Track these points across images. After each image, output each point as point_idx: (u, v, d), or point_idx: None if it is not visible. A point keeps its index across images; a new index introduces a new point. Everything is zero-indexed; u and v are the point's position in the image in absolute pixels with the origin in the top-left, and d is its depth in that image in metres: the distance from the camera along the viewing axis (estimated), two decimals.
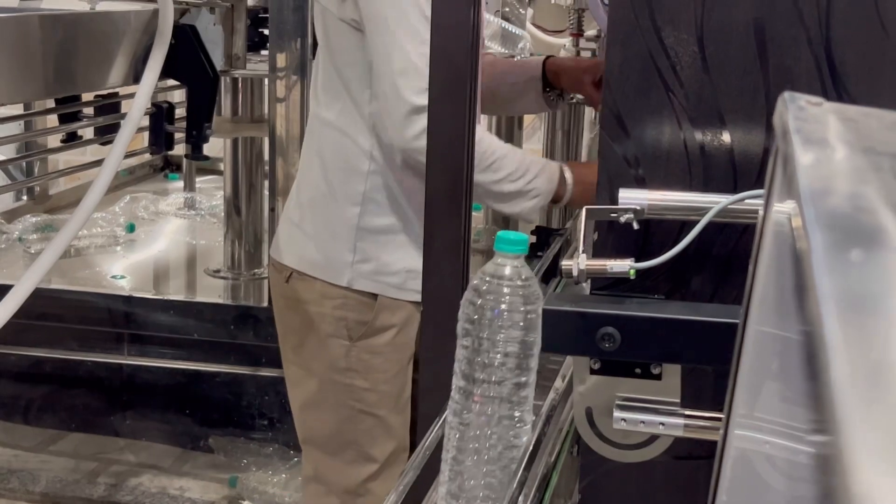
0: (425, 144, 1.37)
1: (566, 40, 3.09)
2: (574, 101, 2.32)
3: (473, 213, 2.96)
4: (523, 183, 1.80)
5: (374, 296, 1.83)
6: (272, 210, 2.70)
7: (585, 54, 2.82)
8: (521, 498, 1.19)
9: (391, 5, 1.68)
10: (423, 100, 1.51)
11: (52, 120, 2.66)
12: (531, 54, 3.04)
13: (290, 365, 1.95)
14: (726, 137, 1.20)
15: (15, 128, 2.70)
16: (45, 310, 2.77)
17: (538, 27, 3.55)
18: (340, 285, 1.83)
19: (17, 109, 2.76)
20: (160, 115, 2.37)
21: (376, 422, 1.87)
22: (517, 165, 1.80)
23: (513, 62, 2.09)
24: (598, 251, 1.19)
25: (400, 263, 1.82)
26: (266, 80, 2.61)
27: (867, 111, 0.56)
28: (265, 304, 2.83)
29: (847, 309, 0.29)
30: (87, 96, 2.60)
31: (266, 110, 2.68)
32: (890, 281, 0.30)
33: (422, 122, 1.60)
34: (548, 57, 2.15)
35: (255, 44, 2.66)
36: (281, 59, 2.54)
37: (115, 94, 2.58)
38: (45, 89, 1.91)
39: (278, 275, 1.92)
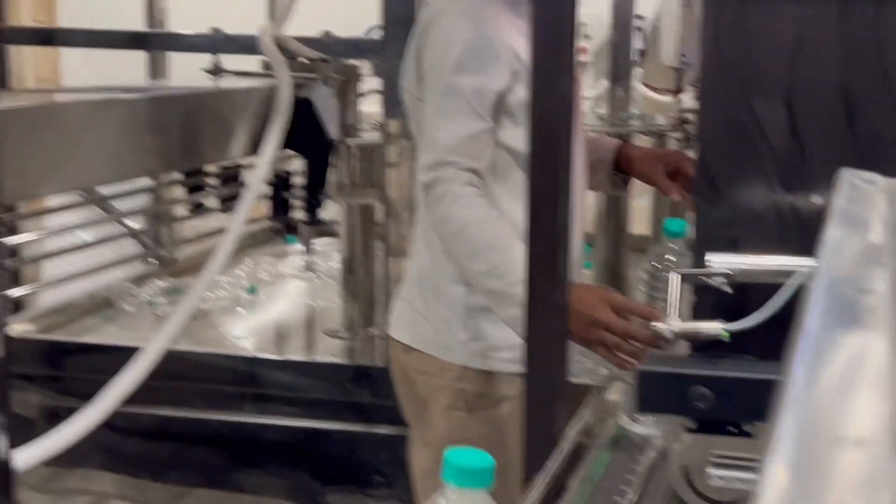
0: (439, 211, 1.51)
1: (672, 101, 3.13)
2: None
3: (585, 271, 2.99)
4: (504, 284, 1.68)
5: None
6: (386, 273, 2.78)
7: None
8: None
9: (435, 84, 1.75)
10: (428, 176, 1.66)
11: (179, 191, 2.79)
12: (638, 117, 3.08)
13: (411, 431, 2.00)
14: (817, 200, 1.23)
15: (144, 199, 2.85)
16: (172, 370, 2.88)
17: (648, 86, 3.59)
18: (455, 363, 1.87)
19: (146, 181, 2.90)
20: (279, 183, 2.48)
21: (494, 492, 1.90)
22: (502, 261, 1.67)
23: (589, 137, 2.10)
24: (696, 310, 1.23)
25: (511, 339, 1.74)
26: (379, 149, 2.70)
27: None
28: (381, 363, 2.90)
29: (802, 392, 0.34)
30: (211, 168, 2.72)
31: (380, 176, 2.77)
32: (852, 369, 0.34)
33: (430, 195, 1.69)
34: (624, 140, 2.18)
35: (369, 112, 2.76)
36: (393, 126, 2.63)
37: (237, 165, 2.71)
38: (172, 163, 2.02)
39: (395, 348, 1.97)
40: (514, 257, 1.59)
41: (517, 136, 1.70)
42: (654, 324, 1.13)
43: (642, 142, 3.01)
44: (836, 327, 0.36)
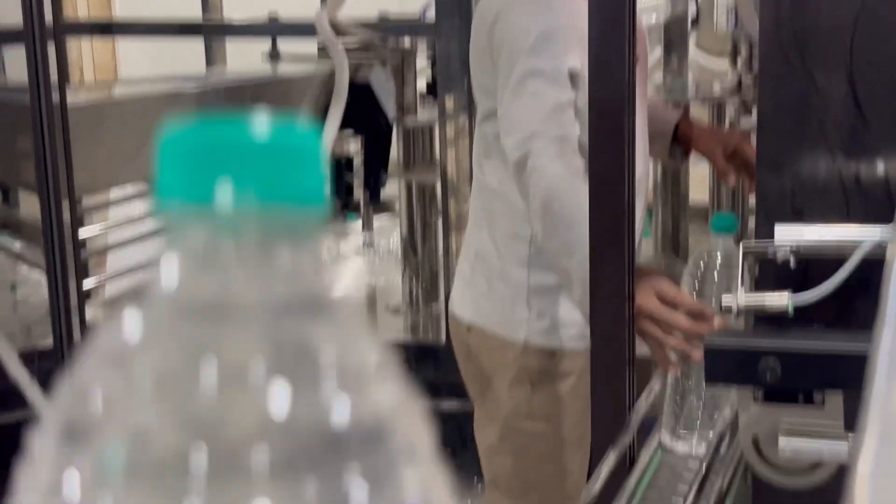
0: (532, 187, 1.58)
1: (728, 69, 3.11)
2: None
3: (644, 240, 3.00)
4: (577, 263, 1.62)
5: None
6: (446, 249, 2.80)
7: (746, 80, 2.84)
8: None
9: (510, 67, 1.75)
10: (517, 154, 1.68)
11: None
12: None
13: (476, 409, 2.03)
14: (881, 169, 1.23)
15: None
16: None
17: (703, 52, 3.56)
18: (518, 340, 1.89)
19: None
20: (339, 165, 2.51)
21: (558, 466, 1.93)
22: (577, 238, 1.60)
23: (651, 103, 2.08)
24: (759, 283, 1.25)
25: (574, 316, 1.77)
26: (436, 126, 2.73)
27: None
28: (443, 338, 2.93)
29: None
30: None
31: (437, 154, 2.80)
32: None
33: (522, 172, 1.70)
34: (685, 113, 2.17)
35: (425, 92, 2.78)
36: (449, 105, 2.65)
37: None
38: None
39: (457, 326, 2.00)
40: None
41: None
42: (721, 298, 1.15)
43: (697, 110, 3.00)
44: None
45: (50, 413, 0.28)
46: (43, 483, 0.28)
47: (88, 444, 0.27)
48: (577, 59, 1.68)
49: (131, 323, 0.28)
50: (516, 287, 1.87)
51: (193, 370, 0.27)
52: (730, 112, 2.96)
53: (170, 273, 0.29)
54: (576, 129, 1.67)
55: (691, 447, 1.42)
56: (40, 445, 0.28)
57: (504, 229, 1.87)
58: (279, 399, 0.27)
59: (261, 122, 0.28)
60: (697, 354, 1.41)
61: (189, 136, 0.28)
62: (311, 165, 0.29)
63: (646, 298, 1.53)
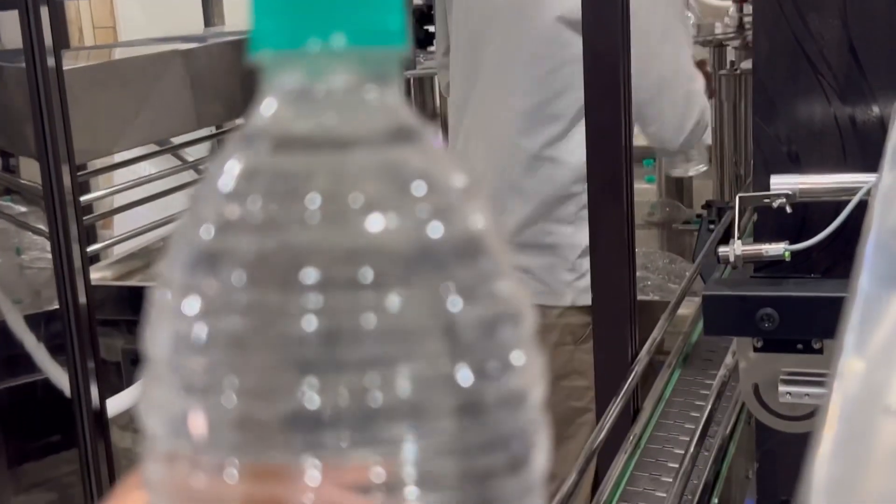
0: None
1: (730, 5, 3.09)
2: None
3: (646, 186, 2.99)
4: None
5: None
6: None
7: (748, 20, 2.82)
8: (700, 468, 1.26)
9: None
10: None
11: None
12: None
13: None
14: (876, 111, 1.23)
15: (212, 145, 2.89)
16: None
17: None
18: (563, 305, 1.89)
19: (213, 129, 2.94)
20: None
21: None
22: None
23: None
24: (758, 233, 1.25)
25: None
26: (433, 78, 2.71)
27: None
28: None
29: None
30: None
31: (437, 106, 2.78)
32: None
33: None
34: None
35: (422, 42, 2.76)
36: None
37: None
38: (237, 110, 2.06)
39: None
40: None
41: None
42: (718, 249, 1.15)
43: (699, 51, 2.98)
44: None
45: (174, 244, 0.31)
46: (172, 309, 0.30)
47: (213, 268, 0.30)
48: None
49: (238, 158, 0.31)
50: (560, 250, 1.87)
51: (299, 196, 0.29)
52: (731, 54, 2.94)
53: (269, 113, 0.31)
54: None
55: None
56: (168, 277, 0.31)
57: (549, 192, 1.85)
58: (381, 217, 0.29)
59: None
60: None
61: None
62: (394, 8, 0.31)
63: None
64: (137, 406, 0.33)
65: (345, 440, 0.28)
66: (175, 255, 0.31)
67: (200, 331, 0.30)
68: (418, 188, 0.31)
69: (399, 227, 0.30)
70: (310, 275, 0.29)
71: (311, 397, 0.28)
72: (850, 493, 0.31)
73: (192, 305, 0.30)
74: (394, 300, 0.29)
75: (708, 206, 2.25)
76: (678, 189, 2.96)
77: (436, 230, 0.30)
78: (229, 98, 2.02)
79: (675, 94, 1.84)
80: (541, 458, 0.32)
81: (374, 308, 0.29)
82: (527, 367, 0.32)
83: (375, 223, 0.29)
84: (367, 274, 0.29)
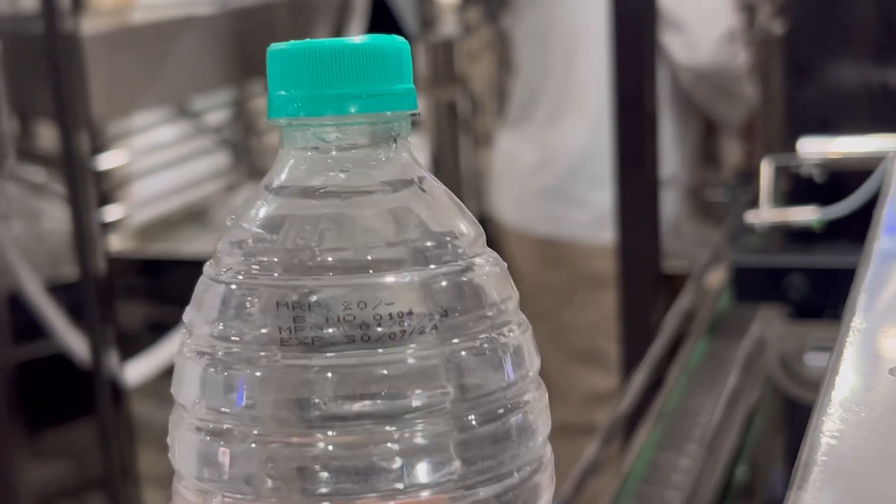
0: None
1: None
2: None
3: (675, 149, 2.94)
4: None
5: None
6: (474, 168, 2.77)
7: None
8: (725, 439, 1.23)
9: None
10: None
11: (264, 100, 2.79)
12: None
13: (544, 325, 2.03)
14: None
15: (231, 111, 2.87)
16: None
17: None
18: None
19: (232, 95, 2.93)
20: None
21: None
22: None
23: None
24: (788, 200, 1.22)
25: None
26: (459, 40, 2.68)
27: None
28: None
29: None
30: None
31: (461, 70, 2.75)
32: None
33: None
34: None
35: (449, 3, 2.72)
36: (472, 17, 2.60)
37: None
38: (255, 71, 2.04)
39: (530, 243, 1.99)
40: None
41: None
42: (747, 214, 1.12)
43: None
44: None
45: (198, 292, 0.35)
46: (198, 356, 0.34)
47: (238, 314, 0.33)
48: None
49: (258, 208, 0.35)
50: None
51: (311, 242, 0.33)
52: (762, 15, 2.88)
53: (285, 169, 0.35)
54: None
55: None
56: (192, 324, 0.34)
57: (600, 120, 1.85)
58: (391, 233, 0.34)
59: (357, 40, 0.34)
60: None
61: (296, 55, 0.34)
62: (404, 76, 0.34)
63: None
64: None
65: (360, 486, 0.31)
66: (200, 304, 0.34)
67: (228, 379, 0.32)
68: (418, 232, 0.34)
69: (399, 272, 0.33)
70: (328, 334, 0.32)
71: (326, 446, 0.31)
72: (852, 452, 0.30)
73: (217, 351, 0.33)
74: (400, 351, 0.32)
75: (740, 174, 2.22)
76: (707, 156, 2.91)
77: (436, 277, 0.33)
78: (247, 62, 2.00)
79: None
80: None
81: (384, 361, 0.32)
82: (533, 404, 0.34)
83: (379, 270, 0.33)
84: (377, 324, 0.32)
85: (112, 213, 2.11)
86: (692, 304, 1.49)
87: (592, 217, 1.93)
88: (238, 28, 1.99)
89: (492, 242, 0.37)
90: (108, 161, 2.04)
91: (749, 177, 2.16)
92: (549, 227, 1.98)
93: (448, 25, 2.71)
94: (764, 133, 2.65)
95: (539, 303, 2.00)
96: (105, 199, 1.91)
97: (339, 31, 2.20)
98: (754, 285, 1.11)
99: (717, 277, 1.58)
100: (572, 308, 1.97)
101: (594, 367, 1.96)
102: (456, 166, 2.97)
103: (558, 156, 1.98)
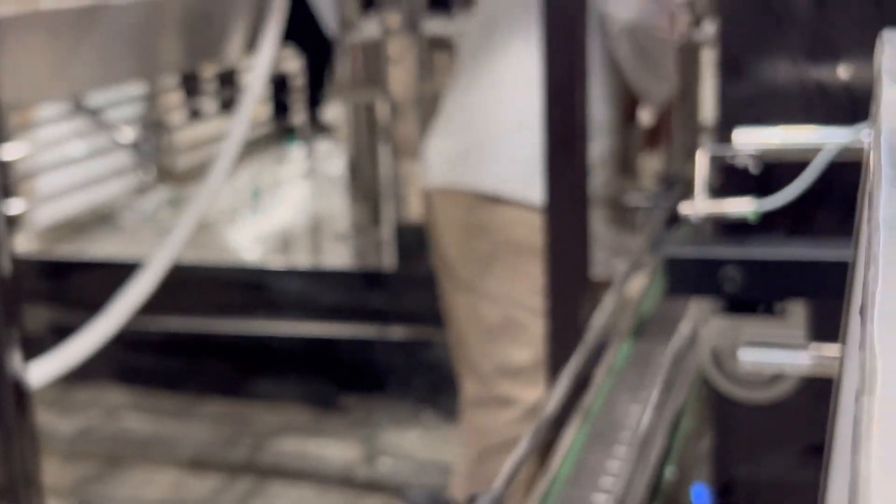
0: None
1: None
2: None
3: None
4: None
5: None
6: (393, 172, 2.74)
7: None
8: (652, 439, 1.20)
9: None
10: None
11: (175, 97, 2.73)
12: None
13: (465, 295, 1.99)
14: (843, 73, 1.18)
15: (138, 108, 2.80)
16: (180, 282, 2.87)
17: None
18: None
19: (139, 90, 2.84)
20: (278, 85, 2.42)
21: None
22: None
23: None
24: (720, 191, 1.19)
25: None
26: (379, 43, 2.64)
27: None
28: (390, 264, 2.87)
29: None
30: (207, 72, 2.66)
31: (380, 73, 2.71)
32: None
33: None
34: None
35: (369, 5, 2.68)
36: (393, 20, 2.57)
37: (233, 70, 2.64)
38: (164, 66, 1.97)
39: (464, 201, 1.96)
40: None
41: None
42: (680, 205, 1.09)
43: None
44: None
45: None
46: None
47: None
48: None
49: None
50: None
51: None
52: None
53: None
54: None
55: None
56: None
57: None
58: None
59: None
60: None
61: None
62: None
63: None
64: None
65: None
66: None
67: None
68: None
69: None
70: None
71: None
72: None
73: None
74: None
75: (663, 179, 2.21)
76: (624, 164, 2.90)
77: None
78: (158, 54, 1.93)
79: None
80: None
81: None
82: None
83: None
84: None
85: (14, 206, 2.02)
86: (618, 305, 1.46)
87: (518, 171, 1.92)
88: (151, 21, 1.92)
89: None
90: (8, 153, 1.96)
91: (671, 182, 2.16)
92: (477, 181, 1.95)
93: (368, 28, 2.67)
94: (684, 143, 2.65)
95: (463, 271, 1.98)
96: (7, 192, 1.83)
97: (256, 31, 2.14)
98: (688, 277, 1.08)
99: (642, 279, 1.56)
100: (493, 277, 1.94)
101: (510, 340, 1.95)
102: (374, 172, 2.93)
103: (487, 114, 1.97)
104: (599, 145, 2.03)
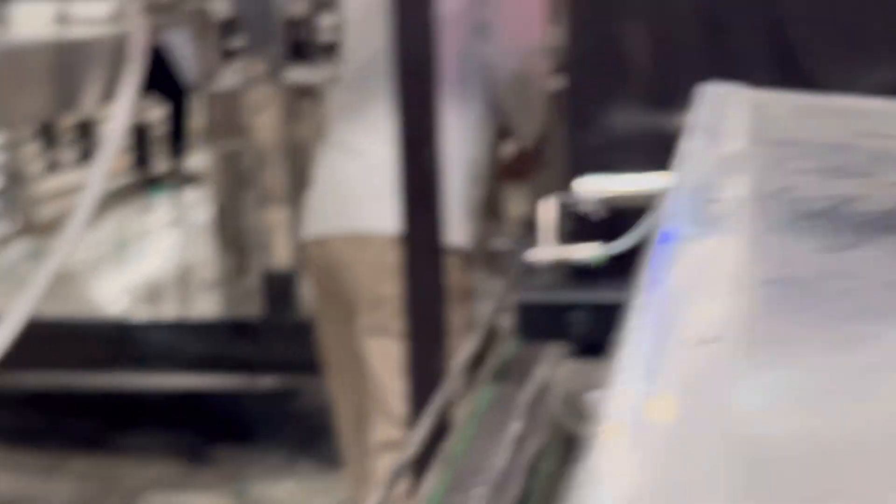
0: None
1: None
2: None
3: None
4: None
5: None
6: (259, 220, 2.72)
7: None
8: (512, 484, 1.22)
9: None
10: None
11: (32, 148, 2.68)
12: None
13: (366, 335, 1.99)
14: (681, 121, 1.22)
15: None
16: (41, 336, 2.80)
17: None
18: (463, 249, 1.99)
19: None
20: (139, 134, 2.40)
21: None
22: None
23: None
24: (570, 237, 1.22)
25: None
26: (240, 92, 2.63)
27: (787, 97, 0.59)
28: (259, 313, 2.85)
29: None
30: (65, 123, 2.62)
31: (243, 121, 2.71)
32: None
33: None
34: None
35: (229, 54, 2.68)
36: (254, 69, 2.57)
37: (91, 121, 2.61)
38: (19, 118, 1.94)
39: (362, 243, 1.97)
40: None
41: None
42: (528, 252, 1.12)
43: None
44: (688, 232, 0.37)
45: None
46: None
47: None
48: None
49: None
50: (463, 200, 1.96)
51: None
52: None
53: None
54: None
55: None
56: None
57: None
58: None
59: None
60: None
61: None
62: None
63: None
64: None
65: None
66: None
67: None
68: None
69: None
70: None
71: None
72: None
73: None
74: None
75: (525, 223, 2.25)
76: (492, 205, 2.95)
77: None
78: (12, 106, 1.90)
79: None
80: None
81: None
82: None
83: None
84: None
85: None
86: (480, 349, 1.48)
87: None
88: (7, 71, 1.89)
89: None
90: None
91: (533, 225, 2.20)
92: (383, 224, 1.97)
93: (229, 77, 2.67)
94: (544, 178, 2.70)
95: (376, 314, 1.97)
96: None
97: (113, 79, 2.12)
98: (539, 323, 1.10)
99: (505, 322, 1.58)
100: None
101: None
102: (241, 220, 2.91)
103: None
104: (475, 191, 2.07)
